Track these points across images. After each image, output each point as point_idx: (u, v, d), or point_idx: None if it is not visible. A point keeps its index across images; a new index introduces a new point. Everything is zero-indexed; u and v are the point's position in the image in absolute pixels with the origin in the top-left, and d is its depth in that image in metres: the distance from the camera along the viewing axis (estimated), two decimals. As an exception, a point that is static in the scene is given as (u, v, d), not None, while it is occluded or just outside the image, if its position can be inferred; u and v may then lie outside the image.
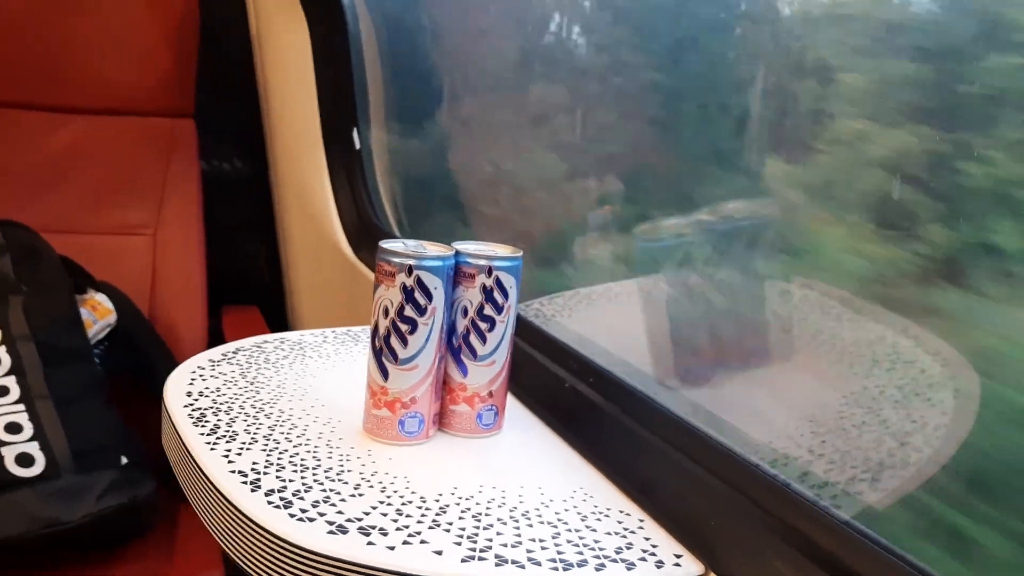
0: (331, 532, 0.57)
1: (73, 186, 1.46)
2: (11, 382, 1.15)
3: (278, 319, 1.73)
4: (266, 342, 0.92)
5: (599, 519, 0.64)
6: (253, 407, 0.75)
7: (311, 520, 0.58)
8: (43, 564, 1.11)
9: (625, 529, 0.63)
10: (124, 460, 1.18)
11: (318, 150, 1.47)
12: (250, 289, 1.76)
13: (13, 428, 1.11)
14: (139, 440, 1.25)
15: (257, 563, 0.58)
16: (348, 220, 1.45)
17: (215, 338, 1.46)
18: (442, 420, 0.75)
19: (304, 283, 1.62)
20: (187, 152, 1.52)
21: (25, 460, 1.10)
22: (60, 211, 1.44)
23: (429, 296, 0.69)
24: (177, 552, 1.20)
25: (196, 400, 0.75)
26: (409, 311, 0.69)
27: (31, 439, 1.11)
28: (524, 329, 0.92)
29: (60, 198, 1.45)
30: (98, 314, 1.30)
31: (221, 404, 0.75)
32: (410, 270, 0.69)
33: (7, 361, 1.16)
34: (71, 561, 1.13)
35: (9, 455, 1.09)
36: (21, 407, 1.13)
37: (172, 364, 1.36)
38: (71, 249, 1.33)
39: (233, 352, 0.88)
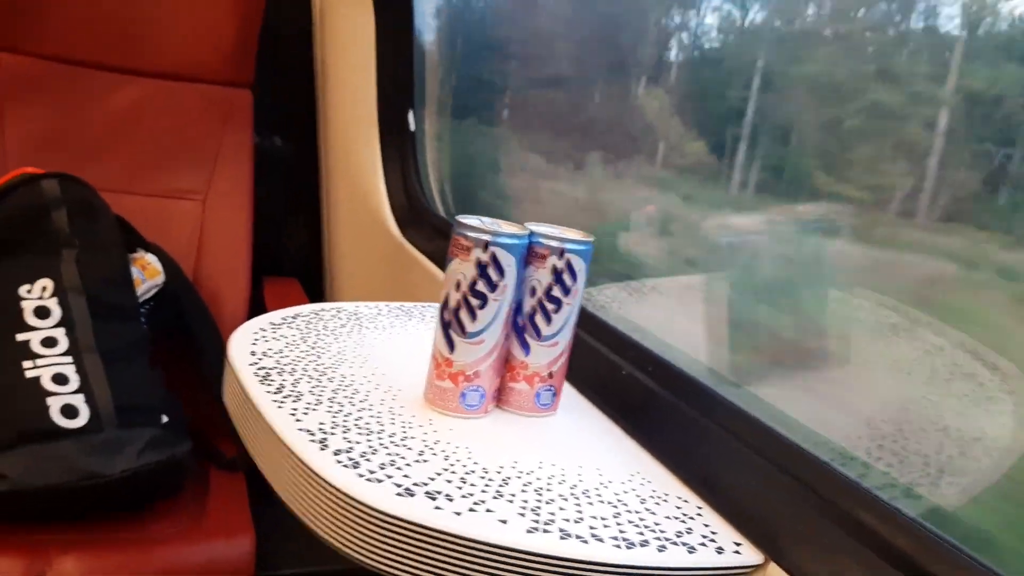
0: (399, 494, 0.58)
1: (130, 147, 1.48)
2: (60, 334, 1.16)
3: (316, 293, 1.74)
4: (323, 310, 0.93)
5: (658, 503, 0.64)
6: (316, 370, 0.76)
7: (379, 481, 0.59)
8: (80, 515, 1.13)
9: (684, 515, 0.63)
10: (165, 419, 1.19)
11: (372, 129, 1.48)
12: (290, 262, 1.77)
13: (60, 379, 1.13)
14: (178, 401, 1.27)
15: (324, 521, 0.58)
16: (396, 200, 1.46)
17: (256, 307, 1.48)
18: (500, 397, 0.76)
19: (346, 259, 1.63)
20: (242, 122, 1.53)
21: (70, 412, 1.11)
22: (116, 171, 1.45)
23: (502, 272, 0.70)
24: (209, 513, 1.21)
25: (260, 360, 0.76)
26: (481, 286, 0.70)
27: (77, 391, 1.13)
28: (580, 316, 0.92)
29: (117, 158, 1.47)
30: (147, 274, 1.31)
31: (285, 365, 0.76)
32: (486, 246, 0.69)
33: (57, 313, 1.17)
34: (106, 514, 1.15)
35: (55, 405, 1.11)
36: (69, 359, 1.15)
37: (214, 329, 1.40)
38: (124, 208, 1.35)
39: (292, 317, 0.89)
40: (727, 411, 0.71)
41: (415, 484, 0.59)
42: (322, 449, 0.62)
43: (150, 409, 1.19)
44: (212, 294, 1.45)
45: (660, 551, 0.57)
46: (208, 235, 1.48)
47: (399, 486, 0.59)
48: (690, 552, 0.58)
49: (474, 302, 0.70)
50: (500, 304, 0.71)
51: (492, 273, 0.70)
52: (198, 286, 1.44)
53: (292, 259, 1.78)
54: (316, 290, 1.75)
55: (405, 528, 0.56)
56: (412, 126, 1.47)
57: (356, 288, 1.61)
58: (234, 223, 1.49)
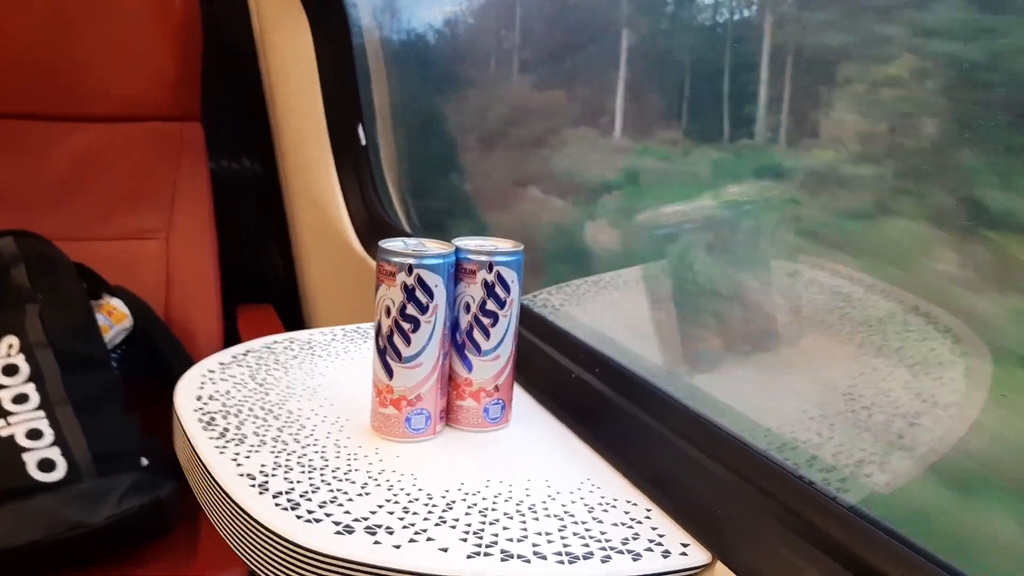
0: (338, 532, 0.58)
1: (84, 194, 1.48)
2: (31, 389, 1.16)
3: (293, 316, 1.74)
4: (276, 342, 0.93)
5: (606, 510, 0.64)
6: (263, 408, 0.76)
7: (318, 521, 0.59)
8: (68, 567, 1.13)
9: (632, 519, 0.63)
10: (145, 462, 1.19)
11: (325, 147, 1.47)
12: (264, 288, 1.77)
13: (34, 434, 1.13)
14: (159, 442, 1.27)
15: (266, 565, 0.58)
16: (357, 215, 1.46)
17: (231, 338, 1.48)
18: (449, 416, 0.76)
19: (317, 280, 1.63)
20: (196, 155, 1.53)
21: (47, 465, 1.11)
22: (73, 219, 1.45)
23: (430, 294, 0.70)
24: (199, 550, 1.22)
25: (206, 404, 0.76)
26: (411, 310, 0.69)
27: (52, 444, 1.13)
28: (530, 320, 0.92)
29: (72, 206, 1.46)
30: (114, 319, 1.31)
31: (231, 407, 0.76)
32: (410, 269, 0.69)
33: (26, 369, 1.17)
34: (95, 563, 1.15)
35: (31, 461, 1.11)
36: (41, 413, 1.15)
37: (189, 365, 1.38)
38: (85, 256, 1.34)
39: (243, 354, 0.89)
40: (674, 410, 0.71)
41: (355, 520, 0.59)
42: (261, 493, 0.62)
43: (128, 454, 1.19)
44: (185, 329, 1.45)
45: (604, 562, 0.57)
46: (175, 272, 1.47)
47: (338, 523, 0.59)
48: (635, 559, 0.58)
49: (406, 326, 0.70)
50: (433, 325, 0.70)
51: (420, 295, 0.69)
52: (170, 323, 1.44)
53: (267, 285, 1.78)
54: (293, 314, 1.75)
55: (344, 566, 0.55)
56: (363, 140, 1.46)
57: (328, 309, 1.60)
58: (200, 256, 1.49)
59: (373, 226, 1.43)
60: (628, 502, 0.65)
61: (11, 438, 1.12)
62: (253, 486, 0.62)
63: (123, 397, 1.26)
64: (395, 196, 1.52)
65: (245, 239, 1.70)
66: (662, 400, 0.72)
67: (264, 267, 1.79)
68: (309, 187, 1.54)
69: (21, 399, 1.15)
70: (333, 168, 1.47)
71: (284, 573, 0.57)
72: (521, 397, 0.83)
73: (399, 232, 1.41)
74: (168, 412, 1.31)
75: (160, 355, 1.38)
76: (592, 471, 0.70)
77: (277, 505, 0.60)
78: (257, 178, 1.75)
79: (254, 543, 0.59)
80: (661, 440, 0.69)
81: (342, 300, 1.53)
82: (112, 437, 1.18)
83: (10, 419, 1.13)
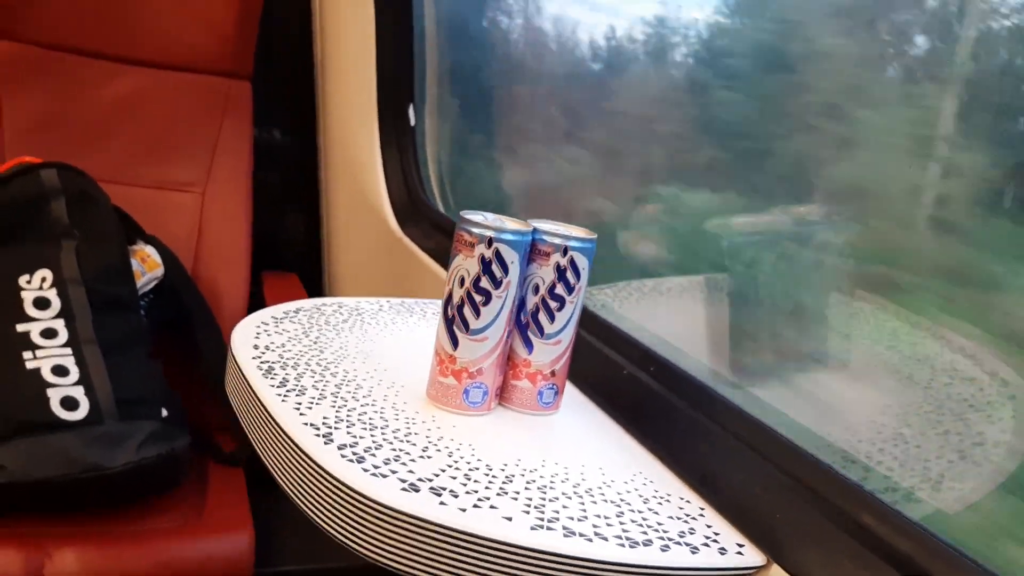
0: (404, 490, 0.58)
1: (128, 138, 1.47)
2: (60, 325, 1.16)
3: (315, 288, 1.74)
4: (324, 305, 0.93)
5: (660, 503, 0.64)
6: (319, 365, 0.76)
7: (384, 476, 0.59)
8: (79, 508, 1.13)
9: (687, 515, 0.63)
10: (164, 413, 1.19)
11: (372, 123, 1.48)
12: (289, 256, 1.77)
13: (60, 371, 1.13)
14: (177, 395, 1.26)
15: (329, 515, 0.58)
16: (396, 195, 1.46)
17: (255, 302, 1.48)
18: (503, 394, 0.76)
19: (345, 253, 1.63)
20: (241, 114, 1.53)
21: (70, 403, 1.11)
22: (113, 161, 1.45)
23: (506, 269, 0.70)
24: (208, 507, 1.22)
25: (263, 353, 0.76)
26: (485, 282, 0.70)
27: (77, 383, 1.13)
28: (582, 315, 0.92)
29: (114, 148, 1.46)
30: (147, 266, 1.31)
31: (288, 359, 0.76)
32: (490, 242, 0.69)
33: (57, 304, 1.17)
34: (106, 507, 1.15)
35: (55, 397, 1.11)
36: (68, 351, 1.14)
37: (213, 324, 1.39)
38: (121, 199, 1.34)
39: (295, 311, 0.89)
40: (728, 412, 0.71)
41: (420, 480, 0.59)
42: (327, 443, 0.62)
43: (150, 402, 1.19)
44: (211, 288, 1.45)
45: (664, 551, 0.58)
46: (207, 228, 1.47)
47: (404, 481, 0.59)
48: (693, 552, 0.58)
49: (478, 298, 0.70)
50: (503, 301, 0.71)
51: (496, 269, 0.70)
52: (197, 279, 1.44)
53: (291, 253, 1.78)
54: (315, 285, 1.75)
55: (411, 523, 0.56)
56: (413, 120, 1.47)
57: (354, 283, 1.60)
58: (233, 216, 1.49)
59: (412, 207, 1.43)
60: (681, 498, 0.66)
61: (37, 371, 1.12)
62: (318, 436, 0.63)
63: (149, 344, 1.26)
64: (434, 181, 1.53)
65: (275, 206, 1.70)
66: (716, 401, 0.73)
67: (291, 236, 1.79)
68: (350, 162, 1.55)
69: (50, 334, 1.15)
70: (378, 145, 1.47)
71: (349, 525, 0.57)
72: (569, 389, 0.83)
73: (436, 214, 1.41)
74: (185, 367, 1.32)
75: (184, 310, 1.38)
76: (643, 466, 0.71)
77: (343, 457, 0.60)
78: (294, 146, 1.75)
79: (319, 493, 0.59)
80: (715, 440, 0.70)
81: (371, 276, 1.53)
82: (136, 383, 1.18)
83: (38, 352, 1.13)
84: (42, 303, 1.16)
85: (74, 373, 1.13)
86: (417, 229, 1.41)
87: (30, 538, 1.07)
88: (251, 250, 1.49)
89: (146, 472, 1.13)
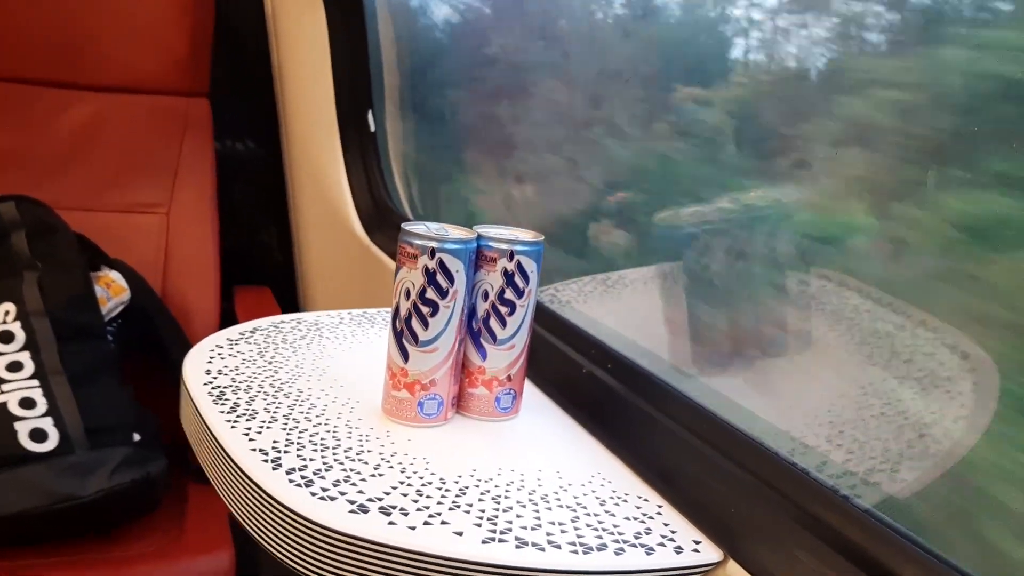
0: (352, 511, 0.57)
1: (88, 164, 1.46)
2: (25, 357, 1.15)
3: (289, 300, 1.73)
4: (283, 322, 0.92)
5: (617, 504, 0.64)
6: (272, 386, 0.75)
7: (332, 499, 0.58)
8: (55, 539, 1.12)
9: (644, 514, 0.63)
10: (137, 437, 1.18)
11: (333, 132, 1.47)
12: (262, 270, 1.76)
13: (27, 403, 1.12)
14: (151, 417, 1.26)
15: (278, 541, 0.58)
16: (362, 203, 1.45)
17: (227, 318, 1.47)
18: (460, 403, 0.76)
19: (316, 265, 1.62)
20: (201, 132, 1.52)
21: (39, 435, 1.10)
22: (75, 188, 1.44)
23: (451, 279, 0.69)
24: (187, 529, 1.21)
25: (215, 378, 0.75)
26: (431, 293, 0.69)
27: (45, 414, 1.12)
28: (540, 314, 0.92)
29: (75, 175, 1.45)
30: (112, 291, 1.30)
31: (240, 383, 0.75)
32: (432, 252, 0.69)
33: (21, 336, 1.16)
34: (82, 537, 1.14)
35: (23, 430, 1.10)
36: (35, 382, 1.14)
37: (184, 343, 1.38)
38: (85, 226, 1.33)
39: (251, 331, 0.88)
40: (685, 407, 0.71)
41: (369, 500, 0.59)
42: (275, 468, 0.61)
43: (121, 428, 1.18)
44: (181, 307, 1.44)
45: (618, 554, 0.57)
46: (174, 248, 1.46)
47: (353, 503, 0.58)
48: (648, 553, 0.58)
49: (425, 310, 0.69)
50: (451, 310, 0.70)
51: (441, 280, 0.69)
52: (167, 300, 1.43)
53: (264, 267, 1.77)
54: (289, 297, 1.74)
55: (359, 545, 0.55)
56: (372, 126, 1.46)
57: (327, 294, 1.60)
58: (200, 234, 1.48)
59: (378, 214, 1.42)
60: (639, 497, 0.66)
61: (4, 406, 1.11)
62: (266, 461, 0.62)
63: (119, 370, 1.25)
64: (400, 185, 1.52)
65: (244, 220, 1.69)
66: (674, 397, 0.73)
67: (262, 249, 1.78)
68: (314, 171, 1.54)
69: (15, 367, 1.14)
70: (340, 153, 1.46)
71: (297, 550, 0.57)
72: (529, 390, 0.83)
73: (403, 220, 1.40)
74: (159, 389, 1.31)
75: (155, 331, 1.37)
76: (602, 465, 0.70)
77: (291, 481, 0.60)
78: (259, 159, 1.74)
79: (267, 519, 0.58)
80: (673, 437, 0.69)
81: (342, 285, 1.52)
82: (106, 410, 1.17)
83: (4, 387, 1.12)
84: (6, 337, 1.15)
85: (42, 405, 1.12)
86: (384, 235, 1.40)
87: (7, 571, 1.06)
88: (219, 266, 1.48)
89: (121, 498, 1.12)
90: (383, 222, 1.42)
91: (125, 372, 1.28)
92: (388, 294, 1.30)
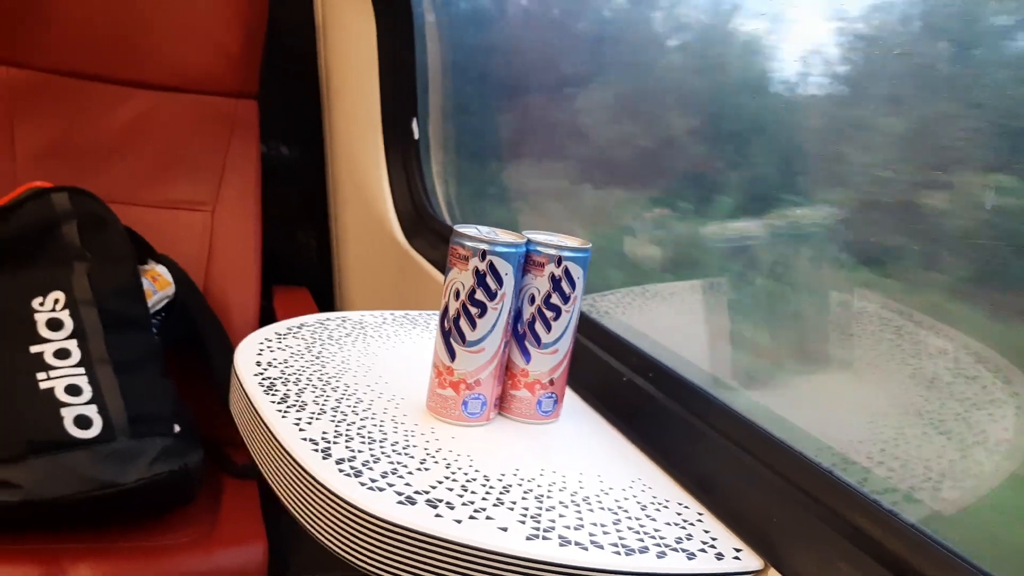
0: (400, 503, 0.58)
1: (137, 159, 1.50)
2: (73, 345, 1.18)
3: (326, 302, 1.75)
4: (328, 319, 0.94)
5: (658, 509, 0.65)
6: (320, 379, 0.77)
7: (380, 490, 0.60)
8: (93, 524, 1.14)
9: (684, 520, 0.64)
10: (177, 428, 1.20)
11: (377, 138, 1.49)
12: (300, 270, 1.79)
13: (73, 390, 1.14)
14: (190, 411, 1.28)
15: (327, 529, 0.59)
16: (402, 208, 1.47)
17: (266, 316, 1.49)
18: (502, 404, 0.77)
19: (354, 268, 1.64)
20: (248, 133, 1.55)
21: (83, 422, 1.13)
22: (123, 182, 1.47)
23: (500, 281, 0.71)
24: (221, 521, 1.23)
25: (265, 369, 0.77)
26: (480, 295, 0.71)
27: (90, 402, 1.14)
28: (581, 323, 0.93)
29: (124, 170, 1.48)
30: (158, 285, 1.33)
31: (289, 375, 0.77)
32: (483, 255, 0.70)
33: (70, 325, 1.19)
34: (119, 524, 1.16)
35: (68, 416, 1.12)
36: (81, 370, 1.16)
37: (225, 339, 1.41)
38: (132, 220, 1.36)
39: (298, 327, 0.90)
40: (727, 417, 0.71)
41: (416, 492, 0.60)
42: (325, 458, 0.63)
43: (162, 419, 1.20)
44: (222, 304, 1.46)
45: (660, 557, 0.58)
46: (217, 245, 1.49)
47: (400, 494, 0.59)
48: (690, 558, 0.59)
49: (473, 311, 0.71)
50: (499, 312, 0.71)
51: (490, 282, 0.70)
52: (208, 296, 1.46)
53: (302, 268, 1.80)
54: (326, 299, 1.76)
55: (406, 536, 0.56)
56: (416, 134, 1.48)
57: (365, 296, 1.62)
58: (243, 233, 1.51)
59: (418, 219, 1.44)
60: (679, 504, 0.66)
61: (51, 391, 1.13)
62: (316, 451, 0.63)
63: (162, 362, 1.27)
64: (440, 193, 1.54)
65: (284, 221, 1.72)
66: (715, 406, 0.73)
67: (301, 250, 1.81)
68: (356, 176, 1.56)
69: (63, 354, 1.17)
70: (383, 160, 1.49)
71: (346, 538, 0.58)
72: (569, 396, 0.84)
73: (443, 227, 1.42)
74: (198, 384, 1.34)
75: (196, 327, 1.39)
76: (642, 472, 0.71)
77: (340, 471, 0.61)
78: (302, 162, 1.77)
79: (317, 507, 0.60)
80: (713, 445, 0.70)
81: (380, 289, 1.54)
82: (148, 400, 1.19)
83: (51, 373, 1.15)
84: (55, 324, 1.18)
85: (87, 392, 1.14)
86: (424, 241, 1.42)
87: (46, 555, 1.08)
88: (261, 265, 1.51)
89: (159, 488, 1.14)
90: (423, 228, 1.44)
91: (167, 365, 1.30)
92: (425, 298, 1.33)
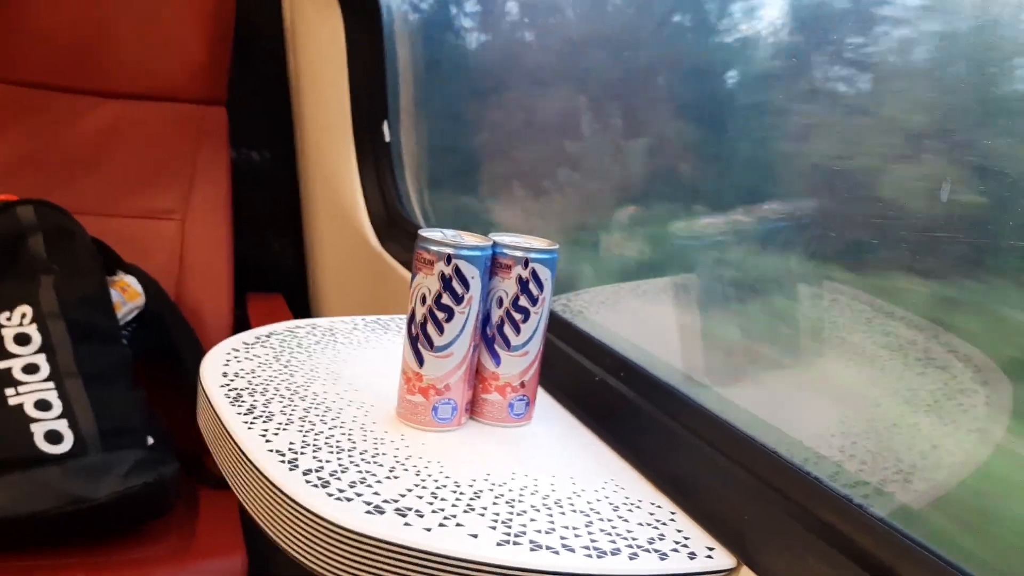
0: (368, 512, 0.58)
1: (105, 169, 1.48)
2: (41, 359, 1.16)
3: (301, 307, 1.74)
4: (298, 327, 0.93)
5: (631, 510, 0.64)
6: (288, 389, 0.76)
7: (348, 500, 0.59)
8: (68, 541, 1.13)
9: (657, 520, 0.63)
10: (150, 441, 1.19)
11: (347, 141, 1.48)
12: (274, 277, 1.77)
13: (43, 405, 1.13)
14: (163, 422, 1.27)
15: (295, 541, 0.58)
16: (375, 211, 1.46)
17: (240, 324, 1.48)
18: (474, 408, 0.76)
19: (329, 272, 1.63)
20: (218, 139, 1.53)
21: (54, 437, 1.11)
22: (91, 193, 1.45)
23: (467, 285, 0.70)
24: (199, 532, 1.22)
25: (232, 380, 0.76)
26: (446, 299, 0.70)
27: (60, 416, 1.13)
28: (553, 323, 0.92)
29: (92, 181, 1.47)
30: (127, 296, 1.31)
31: (256, 385, 0.76)
32: (449, 259, 0.69)
33: (37, 339, 1.17)
34: (95, 539, 1.15)
35: (39, 432, 1.11)
36: (51, 384, 1.15)
37: (198, 348, 1.40)
38: (101, 231, 1.35)
39: (266, 336, 0.89)
40: (698, 415, 0.71)
41: (385, 501, 0.59)
42: (291, 469, 0.62)
43: (134, 431, 1.19)
44: (195, 313, 1.45)
45: (632, 559, 0.58)
46: (189, 254, 1.48)
47: (369, 504, 0.59)
48: (662, 559, 0.58)
49: (440, 315, 0.70)
50: (467, 316, 0.71)
51: (456, 286, 0.70)
52: (180, 305, 1.44)
53: (276, 274, 1.78)
54: (301, 304, 1.75)
55: (375, 546, 0.56)
56: (388, 136, 1.47)
57: (340, 301, 1.61)
58: (214, 241, 1.49)
59: (390, 222, 1.44)
60: (652, 504, 0.66)
61: (20, 407, 1.12)
62: (283, 462, 0.63)
63: (132, 374, 1.26)
64: (413, 195, 1.53)
65: (257, 227, 1.71)
66: (686, 405, 0.73)
67: (275, 256, 1.79)
68: (328, 180, 1.55)
69: (32, 369, 1.15)
70: (354, 163, 1.48)
71: (314, 549, 0.57)
72: (542, 397, 0.83)
73: (416, 228, 1.41)
74: (172, 394, 1.32)
75: (169, 337, 1.38)
76: (615, 472, 0.71)
77: (308, 482, 0.60)
78: (273, 167, 1.75)
79: (284, 519, 0.59)
80: (685, 444, 0.70)
81: (354, 293, 1.53)
82: (119, 412, 1.18)
83: (20, 388, 1.13)
84: (23, 339, 1.16)
85: (57, 407, 1.13)
86: (396, 244, 1.41)
87: (20, 572, 1.07)
88: (233, 273, 1.49)
89: (133, 501, 1.13)
90: (396, 230, 1.43)
91: (138, 376, 1.28)
92: (400, 301, 1.32)
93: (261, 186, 1.74)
